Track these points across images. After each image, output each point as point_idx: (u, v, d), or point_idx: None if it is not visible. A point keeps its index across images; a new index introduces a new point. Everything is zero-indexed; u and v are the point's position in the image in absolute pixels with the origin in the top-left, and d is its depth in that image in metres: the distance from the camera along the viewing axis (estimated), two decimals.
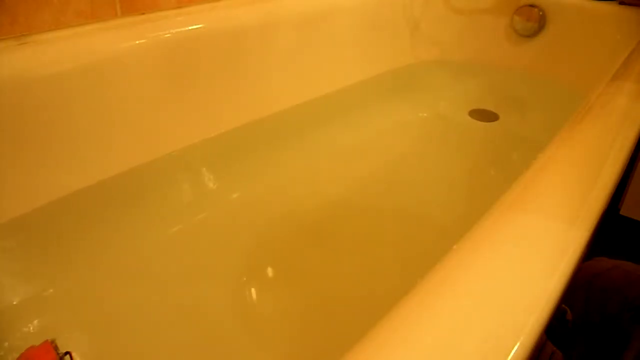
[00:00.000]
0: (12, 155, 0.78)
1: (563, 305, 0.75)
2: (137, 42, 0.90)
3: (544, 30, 1.38)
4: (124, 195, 0.89)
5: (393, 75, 1.44)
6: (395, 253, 0.80)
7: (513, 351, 0.32)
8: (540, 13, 1.37)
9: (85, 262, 0.75)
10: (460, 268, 0.39)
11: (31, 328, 0.65)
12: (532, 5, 1.38)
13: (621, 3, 1.28)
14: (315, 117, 1.20)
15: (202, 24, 0.99)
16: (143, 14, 0.95)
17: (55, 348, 0.62)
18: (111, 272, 0.74)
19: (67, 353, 0.65)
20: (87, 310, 0.68)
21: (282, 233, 0.83)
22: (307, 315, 0.69)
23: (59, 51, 0.81)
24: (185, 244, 0.80)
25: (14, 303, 0.68)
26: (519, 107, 1.29)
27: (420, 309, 0.35)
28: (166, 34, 0.93)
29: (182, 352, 0.63)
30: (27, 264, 0.74)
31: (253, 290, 0.72)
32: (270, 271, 0.76)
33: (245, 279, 0.74)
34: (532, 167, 0.54)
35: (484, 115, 1.24)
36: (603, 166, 0.54)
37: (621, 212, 1.23)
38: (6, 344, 0.63)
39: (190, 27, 0.97)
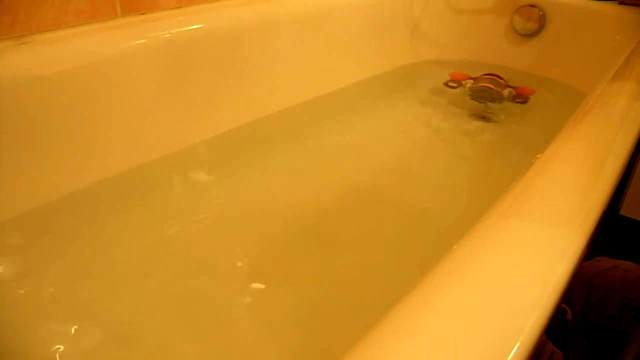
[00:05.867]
0: (12, 155, 0.78)
1: (563, 305, 0.75)
2: (137, 42, 0.90)
3: (544, 30, 1.38)
4: (125, 195, 0.89)
5: (393, 75, 1.44)
6: (395, 253, 0.80)
7: (513, 351, 0.32)
8: (540, 13, 1.37)
9: (86, 262, 0.76)
10: (460, 268, 0.39)
11: (30, 325, 0.65)
12: (532, 5, 1.38)
13: (621, 3, 1.28)
14: (316, 116, 1.20)
15: (202, 24, 0.99)
16: (143, 14, 0.95)
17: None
18: (111, 273, 0.74)
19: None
20: (87, 310, 0.68)
21: (282, 233, 0.83)
22: (308, 315, 0.69)
23: (59, 51, 0.81)
24: (185, 244, 0.80)
25: (14, 302, 0.69)
26: (519, 106, 1.29)
27: (419, 309, 0.35)
28: (166, 34, 0.93)
29: (182, 350, 0.63)
30: (27, 264, 0.74)
31: (254, 290, 0.73)
32: (271, 271, 0.76)
33: (245, 279, 0.74)
34: (532, 167, 0.54)
35: (485, 115, 1.24)
36: (603, 166, 0.55)
37: (621, 212, 1.23)
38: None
39: (190, 27, 0.97)
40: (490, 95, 1.26)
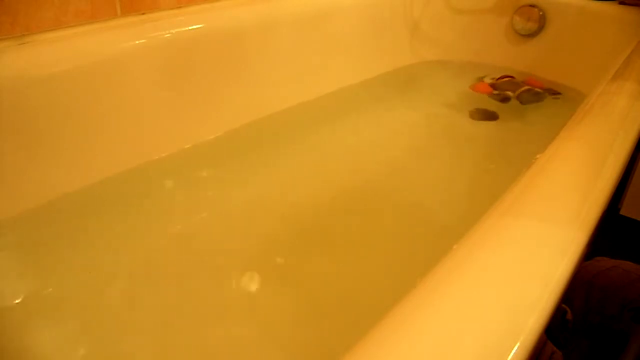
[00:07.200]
0: (12, 155, 0.78)
1: (563, 305, 0.75)
2: (137, 42, 0.90)
3: (544, 30, 1.38)
4: (125, 196, 0.89)
5: (393, 75, 1.44)
6: (396, 253, 0.80)
7: (513, 351, 0.32)
8: (540, 13, 1.37)
9: (86, 261, 0.76)
10: (460, 268, 0.39)
11: (30, 325, 0.65)
12: (532, 5, 1.38)
13: (621, 3, 1.28)
14: (316, 117, 1.20)
15: (202, 24, 0.99)
16: (143, 14, 0.95)
17: None
18: (111, 272, 0.74)
19: None
20: (87, 310, 0.68)
21: (282, 233, 0.83)
22: (308, 315, 0.69)
23: (59, 51, 0.81)
24: (185, 244, 0.80)
25: (13, 302, 0.69)
26: (519, 106, 1.29)
27: (420, 309, 0.35)
28: (166, 34, 0.94)
29: (180, 350, 0.63)
30: (27, 263, 0.74)
31: (254, 290, 0.73)
32: (271, 271, 0.76)
33: (245, 278, 0.74)
34: (532, 167, 0.54)
35: (484, 115, 1.24)
36: (603, 166, 0.55)
37: (621, 212, 1.23)
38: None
39: (190, 27, 0.97)
40: (537, 97, 1.30)
